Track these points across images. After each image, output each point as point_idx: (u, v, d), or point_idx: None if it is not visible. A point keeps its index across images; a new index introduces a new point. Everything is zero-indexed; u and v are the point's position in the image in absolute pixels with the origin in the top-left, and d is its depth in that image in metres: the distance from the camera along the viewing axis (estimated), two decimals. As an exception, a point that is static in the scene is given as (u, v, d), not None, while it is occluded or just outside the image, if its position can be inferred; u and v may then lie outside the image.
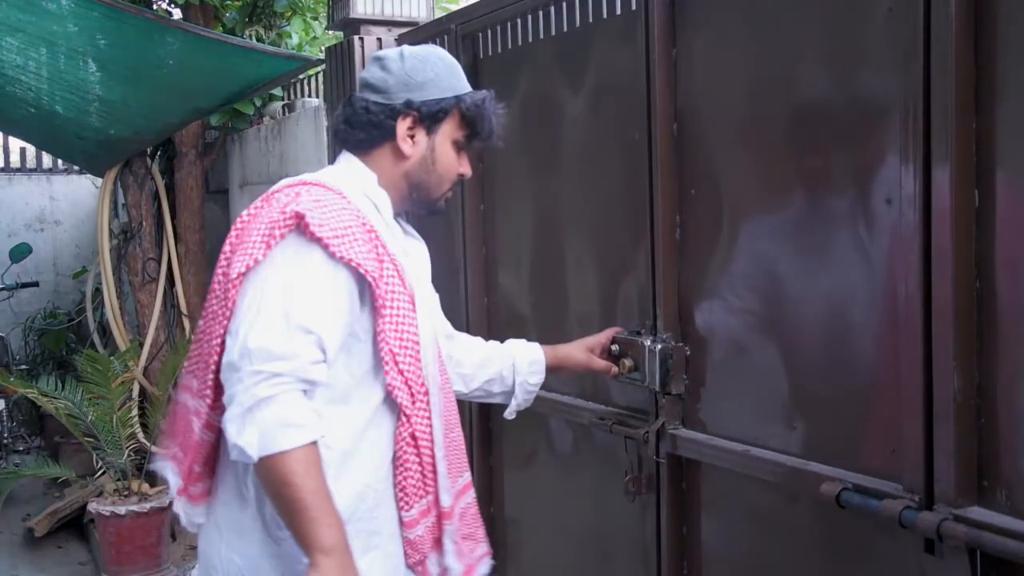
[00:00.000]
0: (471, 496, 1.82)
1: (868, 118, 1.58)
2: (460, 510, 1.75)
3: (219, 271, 1.65)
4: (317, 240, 1.56)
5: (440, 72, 1.75)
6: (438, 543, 1.69)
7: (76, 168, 7.01)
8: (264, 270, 1.57)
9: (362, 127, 1.74)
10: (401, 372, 1.62)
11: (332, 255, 1.56)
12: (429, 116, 1.74)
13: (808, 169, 1.71)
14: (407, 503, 1.66)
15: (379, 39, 3.29)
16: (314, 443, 1.51)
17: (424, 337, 1.66)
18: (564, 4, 2.34)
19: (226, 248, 1.66)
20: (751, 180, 1.85)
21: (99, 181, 5.22)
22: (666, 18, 1.99)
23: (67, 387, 4.44)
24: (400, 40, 3.24)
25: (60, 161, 7.15)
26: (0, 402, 5.68)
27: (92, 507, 4.40)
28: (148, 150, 4.98)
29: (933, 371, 1.43)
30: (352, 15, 3.33)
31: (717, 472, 1.95)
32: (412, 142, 1.74)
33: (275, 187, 1.70)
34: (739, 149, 1.87)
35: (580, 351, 2.05)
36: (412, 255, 1.78)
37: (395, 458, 1.66)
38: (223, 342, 1.59)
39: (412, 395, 1.64)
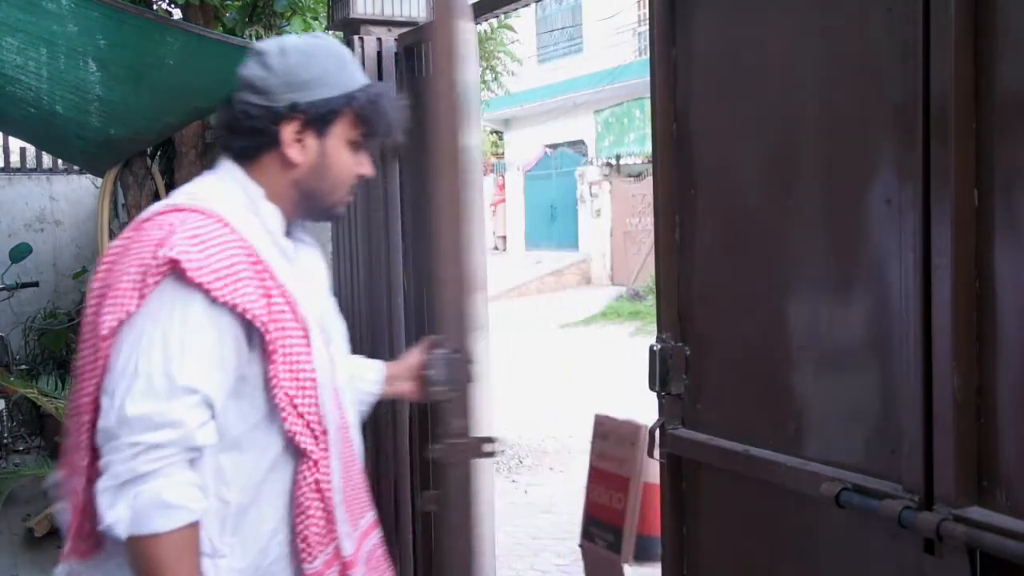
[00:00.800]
0: (376, 536, 1.70)
1: (868, 118, 1.58)
2: (365, 554, 1.63)
3: (89, 313, 1.48)
4: (197, 286, 1.40)
5: (329, 67, 1.56)
6: None
7: (76, 168, 7.02)
8: (139, 322, 1.40)
9: (244, 134, 1.55)
10: (301, 416, 1.49)
11: (215, 300, 1.40)
12: (318, 119, 1.55)
13: (807, 169, 1.71)
14: (310, 554, 1.51)
15: (379, 39, 3.29)
16: (194, 524, 1.38)
17: (320, 375, 1.53)
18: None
19: (95, 285, 1.49)
20: (751, 180, 1.85)
21: (99, 181, 5.22)
22: (666, 18, 1.99)
23: (67, 387, 4.45)
24: (400, 40, 3.25)
25: (60, 161, 7.16)
26: (0, 402, 5.68)
27: (92, 507, 4.39)
28: (148, 150, 4.99)
29: (933, 371, 1.43)
30: (352, 15, 3.33)
31: (717, 472, 1.95)
32: (301, 147, 1.56)
33: (145, 213, 1.52)
34: (739, 149, 1.87)
35: (408, 359, 1.90)
36: (306, 267, 1.64)
37: (296, 505, 1.51)
38: (95, 401, 1.44)
39: (315, 438, 1.51)
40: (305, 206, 1.61)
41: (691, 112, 1.97)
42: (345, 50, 1.62)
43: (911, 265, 1.46)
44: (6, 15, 3.55)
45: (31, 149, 7.22)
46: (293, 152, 1.56)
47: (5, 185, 7.17)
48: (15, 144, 7.31)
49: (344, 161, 1.60)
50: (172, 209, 1.49)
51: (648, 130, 2.04)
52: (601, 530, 2.41)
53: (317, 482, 1.52)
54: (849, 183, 1.61)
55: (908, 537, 1.48)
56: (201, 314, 1.41)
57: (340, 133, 1.58)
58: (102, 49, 3.84)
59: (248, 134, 1.55)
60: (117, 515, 1.36)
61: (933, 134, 1.42)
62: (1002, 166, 1.37)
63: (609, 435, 2.77)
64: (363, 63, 3.22)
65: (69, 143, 4.87)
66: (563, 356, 10.78)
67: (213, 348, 1.42)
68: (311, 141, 1.56)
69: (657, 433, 2.05)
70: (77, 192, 7.29)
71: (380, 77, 3.26)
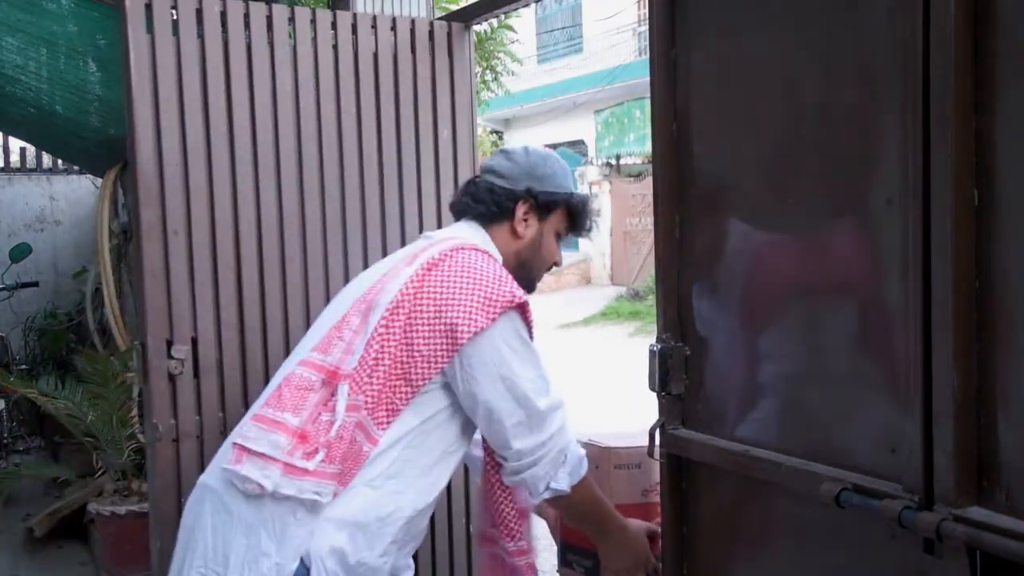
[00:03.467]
0: None
1: (868, 117, 1.58)
2: None
3: (397, 305, 1.90)
4: (524, 319, 1.99)
5: (557, 170, 2.07)
6: None
7: (76, 168, 7.02)
8: (503, 342, 1.92)
9: (484, 204, 2.05)
10: None
11: (526, 325, 1.99)
12: (544, 205, 2.06)
13: (807, 168, 1.71)
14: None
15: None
16: None
17: None
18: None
19: (405, 291, 1.90)
20: (751, 180, 1.85)
21: (99, 181, 5.22)
22: (666, 18, 1.99)
23: (67, 387, 4.45)
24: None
25: (60, 161, 7.16)
26: (0, 402, 5.68)
27: (92, 507, 4.40)
28: (148, 150, 4.97)
29: (933, 371, 1.43)
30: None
31: (717, 472, 1.95)
32: (526, 224, 2.06)
33: (447, 243, 1.97)
34: (739, 149, 1.87)
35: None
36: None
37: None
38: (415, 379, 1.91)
39: None
40: (518, 274, 2.05)
41: (691, 112, 1.97)
42: (567, 164, 2.13)
43: (911, 265, 1.46)
44: (6, 15, 3.55)
45: (31, 149, 7.22)
46: (520, 226, 2.07)
47: (5, 185, 7.16)
48: (15, 144, 7.30)
49: (552, 245, 2.12)
50: (476, 248, 1.99)
51: (648, 130, 2.05)
52: (579, 556, 2.39)
53: None
54: (849, 182, 1.62)
55: (908, 537, 1.48)
56: (525, 332, 2.00)
57: (554, 222, 2.11)
58: (102, 49, 3.85)
59: (488, 204, 2.05)
60: (561, 482, 1.99)
61: (933, 134, 1.42)
62: (1002, 166, 1.37)
63: None
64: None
65: (69, 143, 4.87)
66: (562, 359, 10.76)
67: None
68: (533, 221, 2.08)
69: (657, 433, 2.05)
70: (77, 192, 7.28)
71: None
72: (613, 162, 18.39)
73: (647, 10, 2.06)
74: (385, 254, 3.34)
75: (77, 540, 4.88)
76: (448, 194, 3.45)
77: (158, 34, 2.98)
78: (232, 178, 3.13)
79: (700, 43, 1.95)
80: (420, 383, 1.90)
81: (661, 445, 2.04)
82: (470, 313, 1.86)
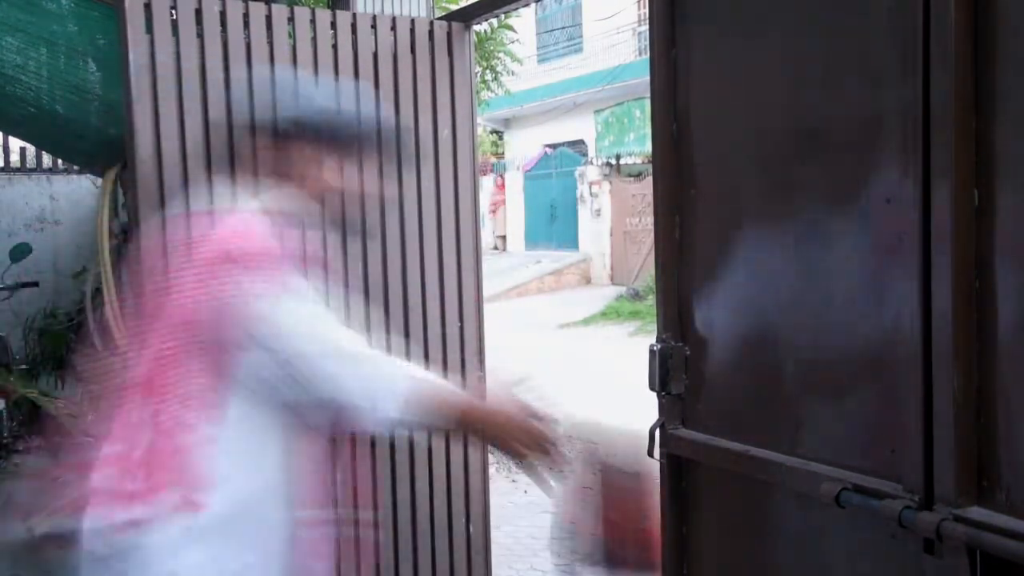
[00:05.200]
0: None
1: (868, 117, 1.58)
2: None
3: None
4: None
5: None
6: None
7: (76, 168, 7.02)
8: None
9: None
10: None
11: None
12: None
13: (808, 168, 1.71)
14: None
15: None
16: None
17: None
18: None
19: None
20: (751, 180, 1.85)
21: (99, 181, 5.21)
22: (666, 18, 1.99)
23: (67, 387, 4.45)
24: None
25: (60, 161, 7.16)
26: (0, 402, 5.68)
27: (92, 507, 4.39)
28: (148, 150, 4.97)
29: (933, 371, 1.43)
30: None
31: (717, 472, 1.95)
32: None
33: None
34: (739, 149, 1.87)
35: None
36: None
37: None
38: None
39: None
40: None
41: (691, 112, 1.97)
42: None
43: (911, 265, 1.46)
44: (6, 15, 3.55)
45: (31, 149, 7.21)
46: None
47: (5, 185, 7.16)
48: (15, 144, 7.30)
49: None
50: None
51: (648, 130, 2.04)
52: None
53: None
54: (849, 182, 1.61)
55: (908, 537, 1.48)
56: None
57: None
58: (102, 49, 3.84)
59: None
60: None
61: (933, 133, 1.42)
62: (1002, 166, 1.37)
63: None
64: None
65: (69, 143, 4.87)
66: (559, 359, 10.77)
67: None
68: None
69: (657, 433, 2.05)
70: (77, 192, 7.27)
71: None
72: (613, 162, 18.40)
73: (647, 10, 2.06)
74: (384, 254, 3.35)
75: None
76: (448, 194, 3.45)
77: (158, 34, 2.99)
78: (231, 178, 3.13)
79: (700, 43, 1.95)
80: (219, 369, 1.82)
81: (661, 445, 2.04)
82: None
